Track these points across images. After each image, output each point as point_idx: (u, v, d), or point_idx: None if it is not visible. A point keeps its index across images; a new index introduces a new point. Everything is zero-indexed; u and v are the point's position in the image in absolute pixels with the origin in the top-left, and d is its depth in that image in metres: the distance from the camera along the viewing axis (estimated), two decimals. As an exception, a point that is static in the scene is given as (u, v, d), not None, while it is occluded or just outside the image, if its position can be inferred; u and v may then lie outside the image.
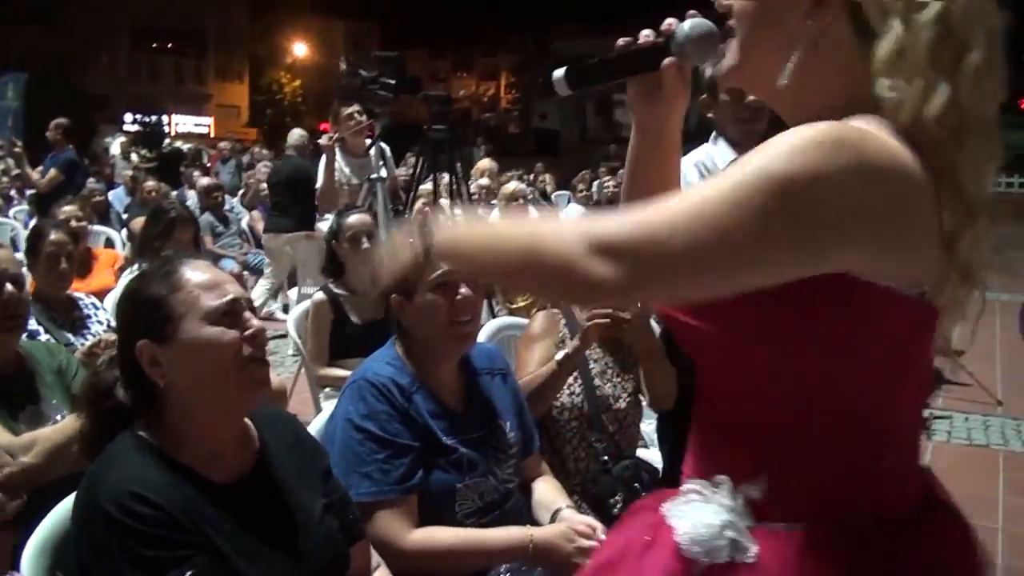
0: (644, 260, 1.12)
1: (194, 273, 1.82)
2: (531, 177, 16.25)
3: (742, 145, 3.58)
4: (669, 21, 1.40)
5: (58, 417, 2.83)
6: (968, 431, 6.40)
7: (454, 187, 5.75)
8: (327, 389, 4.20)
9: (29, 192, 11.73)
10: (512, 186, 8.02)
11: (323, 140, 6.26)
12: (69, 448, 2.69)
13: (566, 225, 1.20)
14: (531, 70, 51.21)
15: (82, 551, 1.68)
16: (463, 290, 2.48)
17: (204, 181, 10.65)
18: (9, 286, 2.85)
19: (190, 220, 4.95)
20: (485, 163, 8.22)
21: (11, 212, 11.45)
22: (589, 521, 2.43)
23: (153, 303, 1.79)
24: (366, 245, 4.34)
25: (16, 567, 1.83)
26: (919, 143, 1.16)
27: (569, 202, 13.27)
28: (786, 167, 1.08)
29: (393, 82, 5.39)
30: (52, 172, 9.61)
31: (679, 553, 1.25)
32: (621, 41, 1.45)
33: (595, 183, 13.15)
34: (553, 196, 15.06)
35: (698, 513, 1.25)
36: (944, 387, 7.36)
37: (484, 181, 11.51)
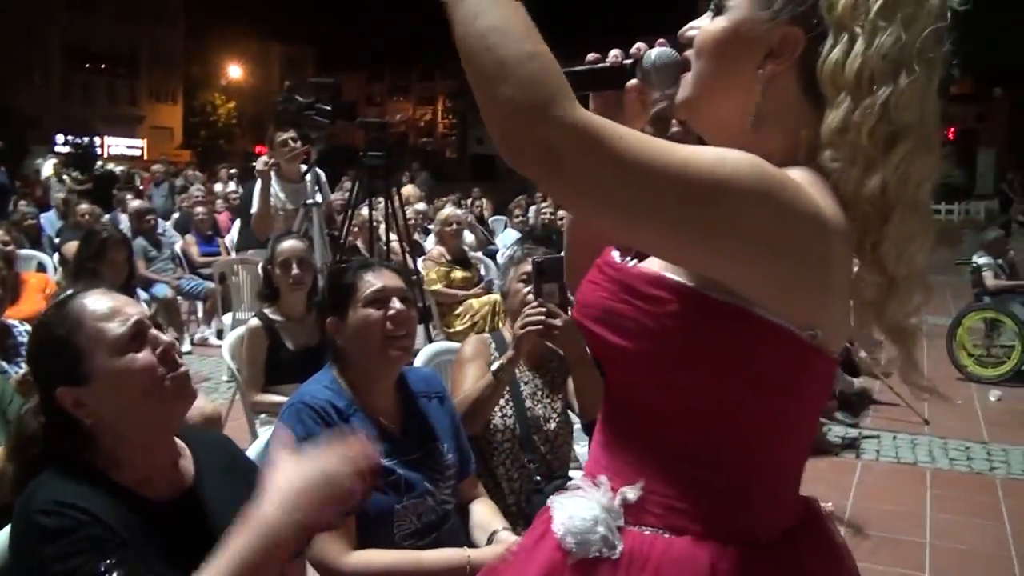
0: (590, 140, 1.12)
1: (92, 305, 1.82)
2: (468, 202, 16.31)
3: None
4: (639, 45, 1.46)
5: (-9, 444, 2.82)
6: (896, 450, 6.55)
7: (390, 212, 5.77)
8: (263, 415, 4.20)
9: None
10: (447, 211, 8.09)
11: (259, 165, 6.20)
12: (5, 475, 2.68)
13: (554, 76, 1.16)
14: (468, 95, 51.44)
15: (17, 564, 1.68)
16: (396, 305, 2.55)
17: (136, 204, 10.57)
18: None
19: (122, 241, 4.95)
20: (409, 189, 8.25)
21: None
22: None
23: (61, 346, 1.79)
24: (296, 271, 4.36)
25: None
26: (850, 211, 1.26)
27: (506, 227, 13.36)
28: (742, 169, 1.15)
29: (329, 108, 5.41)
30: None
31: (559, 544, 1.33)
32: (591, 56, 1.48)
33: (531, 208, 13.23)
34: (490, 221, 15.14)
35: (576, 507, 1.34)
36: (873, 407, 7.60)
37: (421, 206, 11.58)
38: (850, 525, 4.98)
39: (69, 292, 1.92)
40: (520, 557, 1.44)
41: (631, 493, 1.31)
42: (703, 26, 1.38)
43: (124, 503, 1.75)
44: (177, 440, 1.96)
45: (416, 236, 9.74)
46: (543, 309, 2.92)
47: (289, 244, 4.56)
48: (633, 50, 1.47)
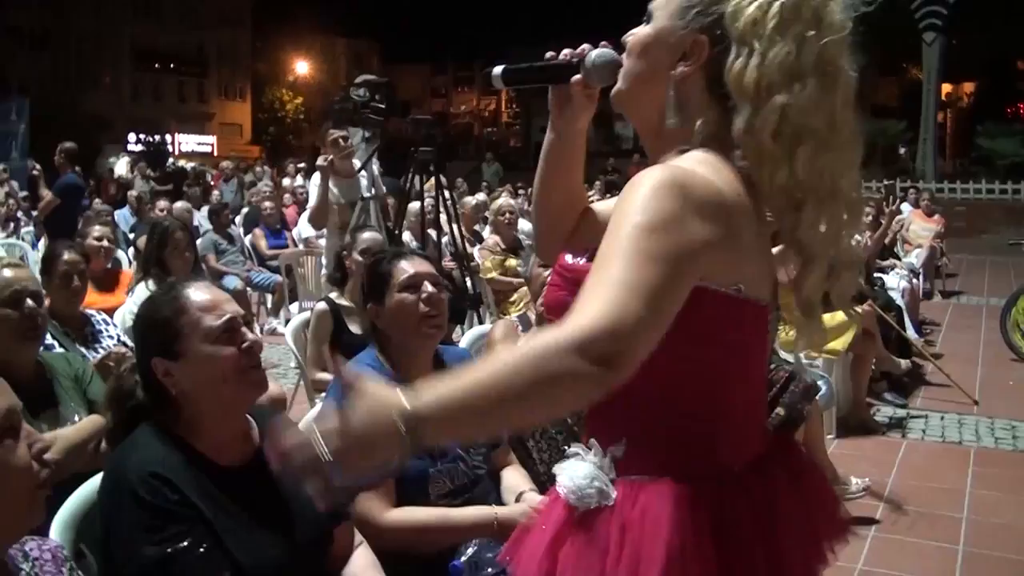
0: (624, 337, 1.30)
1: (196, 296, 2.15)
2: (527, 191, 16.47)
3: None
4: (584, 46, 1.74)
5: (75, 419, 3.15)
6: (942, 429, 6.63)
7: (440, 203, 6.03)
8: (323, 393, 4.47)
9: (35, 214, 12.06)
10: (501, 201, 8.32)
11: (319, 161, 6.48)
12: (86, 446, 3.03)
13: (541, 348, 1.31)
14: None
15: (106, 521, 2.00)
16: (428, 288, 2.83)
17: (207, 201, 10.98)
18: (29, 301, 3.18)
19: (183, 230, 5.28)
20: (501, 201, 8.46)
21: (21, 233, 11.80)
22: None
23: (163, 324, 2.12)
24: None
25: None
26: (766, 198, 1.52)
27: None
28: (641, 218, 1.39)
29: (383, 106, 5.68)
30: (48, 196, 9.85)
31: (565, 503, 1.60)
32: (549, 54, 1.79)
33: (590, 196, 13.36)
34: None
35: (574, 469, 1.61)
36: (924, 388, 7.66)
37: (481, 196, 11.81)
38: (889, 501, 5.10)
39: (179, 279, 2.28)
40: (538, 520, 1.70)
41: (617, 451, 1.58)
42: (635, 31, 1.64)
43: (202, 469, 2.07)
44: (247, 416, 2.27)
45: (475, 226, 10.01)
46: None
47: (371, 235, 4.87)
48: (578, 49, 1.75)
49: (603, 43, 1.74)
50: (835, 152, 1.51)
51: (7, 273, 3.22)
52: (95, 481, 2.23)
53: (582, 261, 1.63)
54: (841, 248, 1.54)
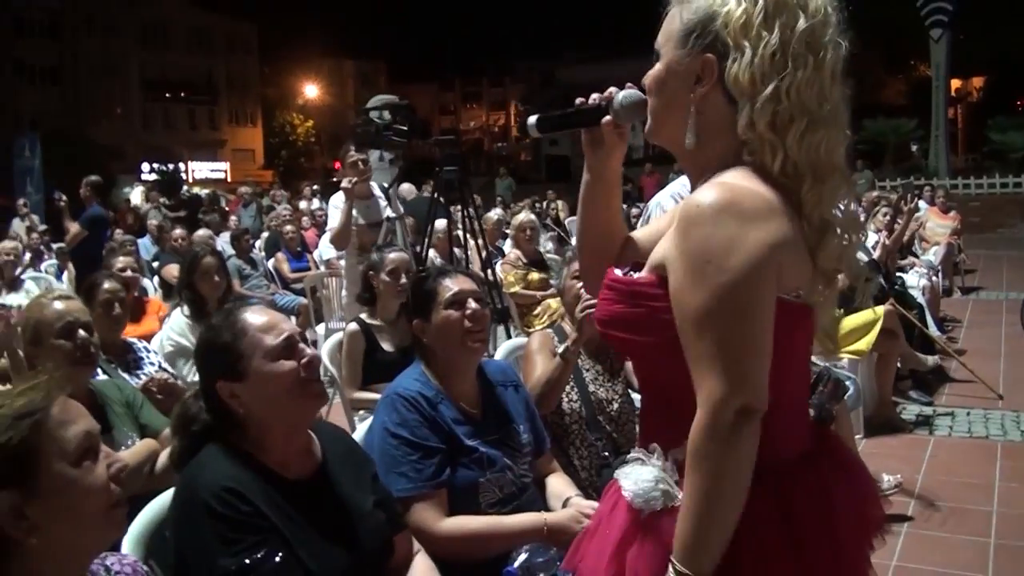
0: (743, 387, 1.50)
1: (254, 318, 2.26)
2: (543, 204, 16.57)
3: None
4: (611, 89, 1.83)
5: (129, 443, 3.25)
6: (969, 425, 6.67)
7: (467, 220, 6.12)
8: (361, 412, 4.57)
9: (56, 246, 12.18)
10: (521, 216, 8.40)
11: (345, 183, 6.51)
12: (141, 469, 3.13)
13: (698, 452, 1.52)
14: (539, 98, 51.32)
15: (180, 536, 2.09)
16: (472, 305, 2.94)
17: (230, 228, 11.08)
18: (81, 331, 3.29)
19: (215, 255, 5.37)
20: (522, 216, 8.53)
21: (42, 267, 11.93)
22: (595, 505, 2.81)
23: (225, 349, 2.23)
24: (404, 280, 4.71)
25: None
26: (780, 185, 1.61)
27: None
28: (711, 262, 1.52)
29: (405, 128, 5.79)
30: (75, 228, 9.96)
31: (630, 507, 1.67)
32: (578, 100, 1.88)
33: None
34: (567, 222, 15.38)
35: (638, 473, 1.68)
36: (948, 385, 7.70)
37: (498, 211, 11.91)
38: (920, 497, 5.16)
39: (236, 304, 2.37)
40: (601, 526, 1.78)
41: (679, 453, 1.62)
42: (650, 72, 1.75)
43: (269, 482, 2.17)
44: (309, 431, 2.37)
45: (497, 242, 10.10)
46: None
47: (398, 255, 4.91)
48: (606, 93, 1.84)
49: (627, 84, 1.83)
50: (827, 128, 1.62)
51: (59, 305, 3.32)
52: (162, 499, 2.34)
53: (633, 274, 1.71)
54: (844, 212, 1.67)
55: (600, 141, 1.87)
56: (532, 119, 1.95)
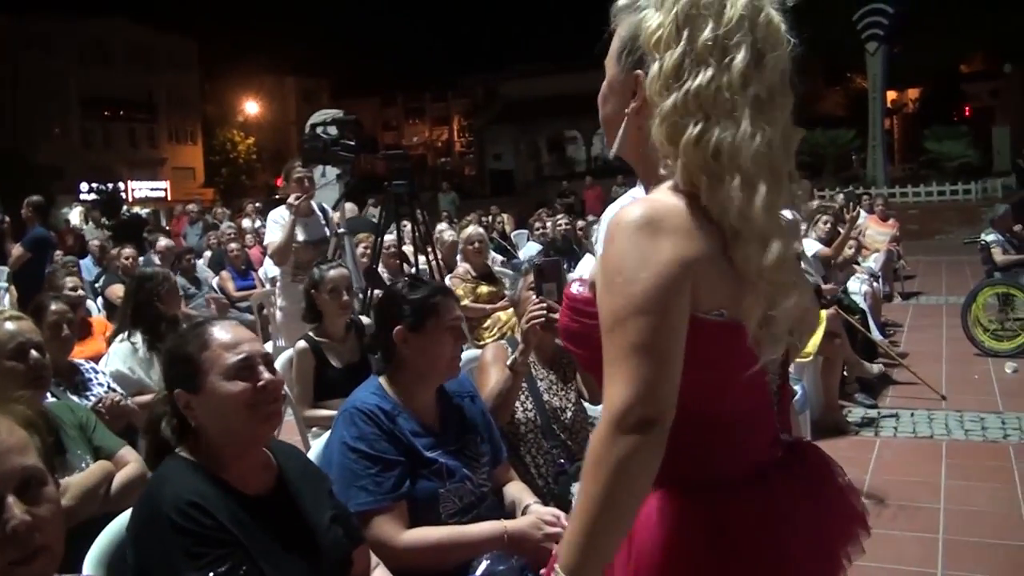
0: (648, 397, 1.49)
1: (219, 333, 2.26)
2: (489, 219, 16.61)
3: None
4: None
5: (83, 465, 3.22)
6: (914, 425, 6.83)
7: (416, 234, 6.13)
8: (315, 428, 4.55)
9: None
10: (470, 230, 8.42)
11: (291, 200, 6.46)
12: (97, 491, 3.11)
13: (595, 452, 1.52)
14: (482, 113, 51.38)
15: (142, 553, 2.08)
16: (462, 329, 3.02)
17: (163, 243, 10.95)
18: (34, 352, 3.25)
19: (172, 280, 5.32)
20: (471, 230, 8.51)
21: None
22: (554, 511, 2.85)
23: (187, 359, 2.23)
24: (346, 297, 4.70)
25: None
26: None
27: (528, 240, 13.66)
28: (624, 274, 1.54)
29: (354, 143, 5.78)
30: (18, 250, 9.78)
31: None
32: None
33: (550, 220, 13.50)
34: (512, 235, 15.43)
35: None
36: (892, 387, 7.86)
37: (443, 226, 11.90)
38: (869, 497, 5.24)
39: (207, 318, 2.39)
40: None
41: None
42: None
43: (230, 497, 2.16)
44: (264, 449, 2.37)
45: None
46: (544, 305, 3.26)
47: (338, 272, 4.89)
48: None
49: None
50: (725, 128, 1.56)
51: (10, 326, 3.28)
52: (122, 519, 2.31)
53: (586, 291, 1.75)
54: (754, 217, 1.56)
55: None
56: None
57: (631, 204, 1.60)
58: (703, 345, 1.57)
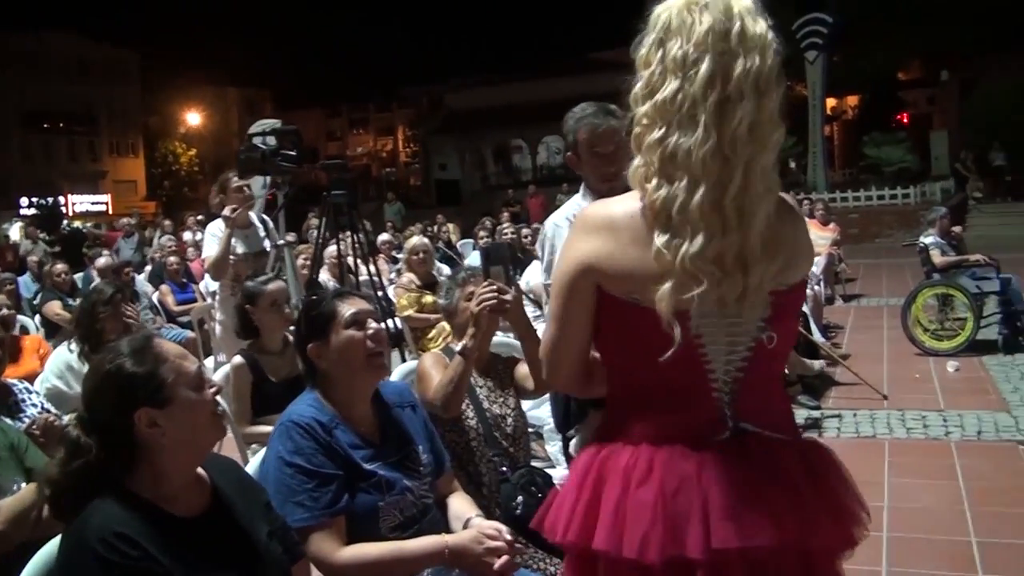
0: (545, 357, 2.01)
1: (169, 346, 2.22)
2: (434, 228, 16.58)
3: (607, 196, 4.02)
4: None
5: (15, 488, 3.11)
6: (856, 425, 6.94)
7: (357, 245, 6.08)
8: (254, 446, 4.47)
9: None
10: (414, 240, 8.38)
11: (226, 211, 6.33)
12: (29, 515, 3.00)
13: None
14: (427, 123, 51.30)
15: None
16: (373, 324, 2.88)
17: (102, 261, 10.78)
18: None
19: (127, 297, 5.21)
20: (415, 240, 8.44)
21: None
22: (495, 525, 2.79)
23: (146, 376, 2.14)
24: (287, 310, 4.62)
25: None
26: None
27: (473, 249, 13.64)
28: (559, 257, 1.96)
29: (294, 154, 5.71)
30: None
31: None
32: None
33: (496, 229, 13.50)
34: (458, 245, 15.42)
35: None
36: (835, 388, 7.96)
37: (386, 236, 11.84)
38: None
39: (146, 332, 2.39)
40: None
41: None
42: None
43: (160, 523, 2.08)
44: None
45: (384, 265, 10.05)
46: (494, 287, 3.23)
47: (276, 286, 4.78)
48: None
49: None
50: (682, 131, 1.74)
51: None
52: (51, 546, 2.23)
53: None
54: (692, 212, 1.74)
55: None
56: None
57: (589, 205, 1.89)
58: (621, 323, 1.84)
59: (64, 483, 2.16)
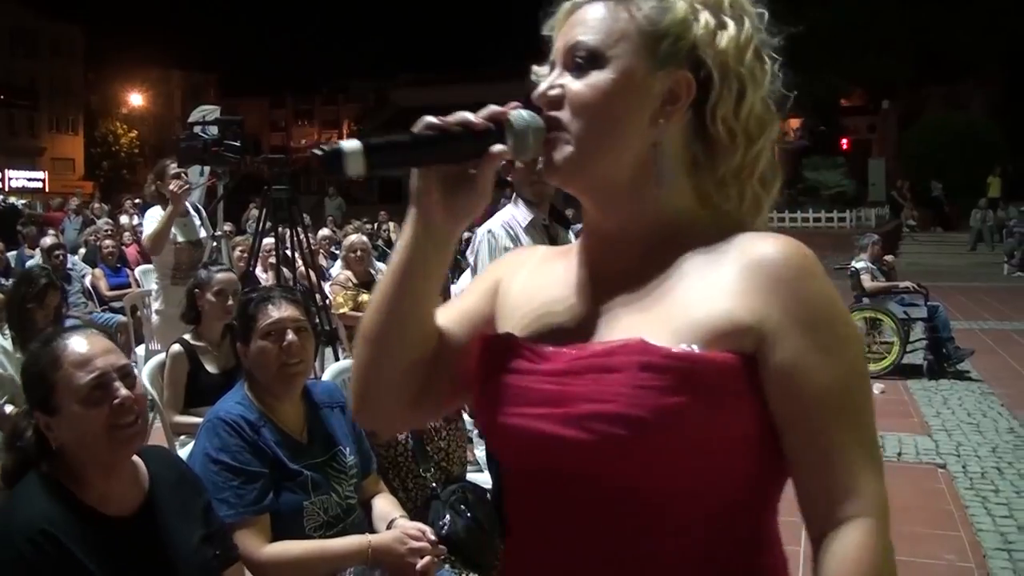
0: None
1: (71, 350, 2.13)
2: (375, 226, 16.53)
3: (538, 205, 4.06)
4: (492, 108, 1.27)
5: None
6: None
7: (296, 239, 6.06)
8: (183, 436, 4.45)
9: None
10: (353, 238, 8.36)
11: (172, 186, 6.09)
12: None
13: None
14: (372, 118, 51.07)
15: None
16: (290, 336, 2.89)
17: (48, 241, 10.58)
18: None
19: (58, 288, 5.16)
20: (354, 238, 8.39)
21: None
22: (419, 526, 2.84)
23: (38, 378, 2.13)
24: (231, 302, 4.61)
25: None
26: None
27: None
28: None
29: (237, 144, 5.68)
30: None
31: None
32: (433, 120, 1.26)
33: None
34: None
35: None
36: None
37: (326, 232, 11.79)
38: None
39: (58, 330, 2.26)
40: None
41: None
42: (571, 83, 1.29)
43: (87, 521, 2.07)
44: (134, 457, 2.26)
45: (323, 261, 10.02)
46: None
47: (225, 275, 4.76)
48: (497, 111, 1.26)
49: (512, 103, 1.29)
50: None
51: None
52: None
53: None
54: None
55: (469, 184, 1.29)
56: (353, 146, 1.22)
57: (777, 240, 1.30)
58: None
59: (12, 463, 2.19)
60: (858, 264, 10.27)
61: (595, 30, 1.28)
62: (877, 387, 8.69)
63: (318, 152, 1.23)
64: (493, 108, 1.27)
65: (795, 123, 46.37)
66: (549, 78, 1.31)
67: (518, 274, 1.48)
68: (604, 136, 1.27)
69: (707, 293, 1.23)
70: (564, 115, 1.27)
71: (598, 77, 1.26)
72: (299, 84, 78.88)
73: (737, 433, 1.20)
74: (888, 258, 10.95)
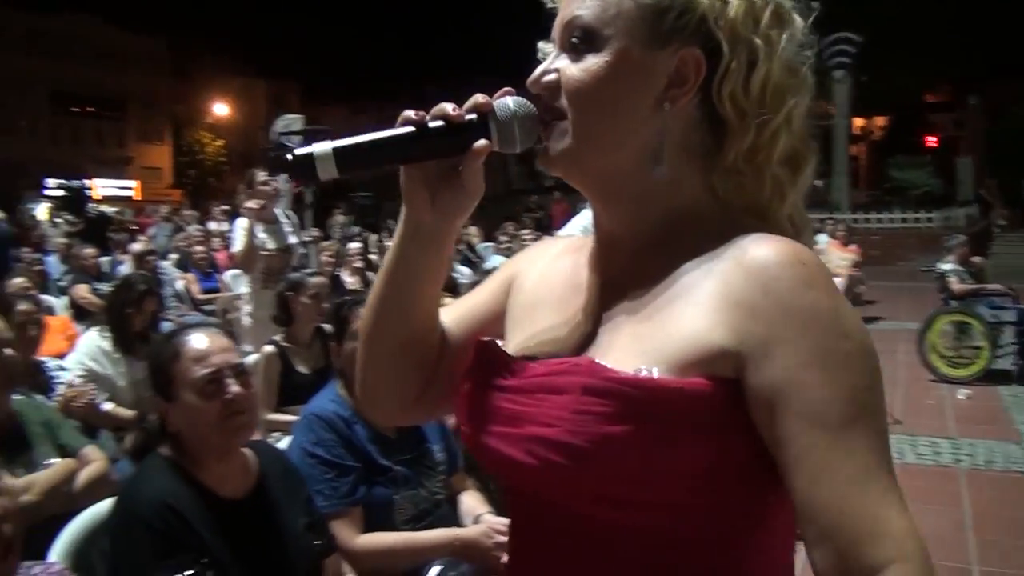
0: None
1: (192, 345, 2.33)
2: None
3: None
4: (479, 98, 1.19)
5: (47, 463, 3.25)
6: (868, 449, 6.91)
7: (380, 244, 6.19)
8: (276, 433, 4.59)
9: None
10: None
11: (252, 204, 6.41)
12: (61, 489, 3.15)
13: None
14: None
15: (117, 546, 2.17)
16: None
17: (137, 247, 10.88)
18: (6, 350, 3.26)
19: (155, 294, 5.35)
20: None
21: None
22: (505, 521, 2.90)
23: (160, 368, 2.32)
24: (325, 304, 4.75)
25: None
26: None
27: (493, 253, 13.68)
28: None
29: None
30: None
31: None
32: (410, 114, 1.19)
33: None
34: (479, 248, 15.46)
35: None
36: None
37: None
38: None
39: (180, 326, 2.47)
40: None
41: None
42: (567, 68, 1.19)
43: (204, 500, 2.24)
44: (244, 448, 2.44)
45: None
46: None
47: (320, 279, 4.99)
48: (480, 102, 1.19)
49: (505, 89, 1.22)
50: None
51: None
52: (93, 511, 2.45)
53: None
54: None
55: (456, 181, 1.22)
56: (323, 148, 1.14)
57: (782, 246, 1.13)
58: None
59: (138, 439, 2.48)
60: (944, 266, 10.08)
61: (592, 4, 1.16)
62: (963, 392, 8.54)
63: (289, 157, 1.16)
64: (477, 98, 1.18)
65: (881, 121, 45.63)
66: (544, 63, 1.21)
67: (533, 269, 1.39)
68: (603, 126, 1.17)
69: (687, 309, 1.11)
70: (561, 103, 1.18)
71: (594, 61, 1.16)
72: (380, 91, 79.56)
73: (697, 469, 1.06)
74: (976, 259, 10.71)
